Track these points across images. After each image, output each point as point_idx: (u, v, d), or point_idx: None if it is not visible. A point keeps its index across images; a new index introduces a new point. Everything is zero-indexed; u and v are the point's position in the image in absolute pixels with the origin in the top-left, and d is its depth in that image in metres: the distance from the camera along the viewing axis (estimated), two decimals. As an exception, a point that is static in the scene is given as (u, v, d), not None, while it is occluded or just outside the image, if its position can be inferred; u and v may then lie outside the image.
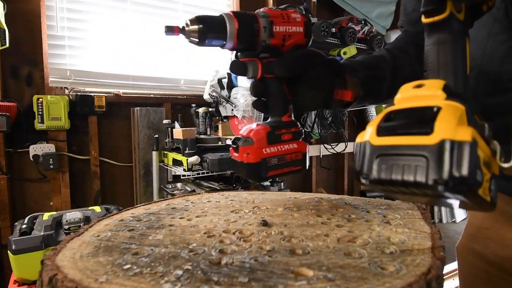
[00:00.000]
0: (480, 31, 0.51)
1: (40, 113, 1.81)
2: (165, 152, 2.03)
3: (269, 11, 0.51)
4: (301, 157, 0.54)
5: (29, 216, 1.41)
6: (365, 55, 0.62)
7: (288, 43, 0.52)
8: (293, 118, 0.55)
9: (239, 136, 0.52)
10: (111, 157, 2.09)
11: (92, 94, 1.95)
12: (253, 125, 0.53)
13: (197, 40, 0.47)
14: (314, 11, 2.71)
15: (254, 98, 0.54)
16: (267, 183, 2.14)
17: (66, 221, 1.35)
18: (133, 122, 2.12)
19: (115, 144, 2.11)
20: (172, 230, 0.43)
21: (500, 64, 0.49)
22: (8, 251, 1.21)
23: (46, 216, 1.40)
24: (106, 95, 1.99)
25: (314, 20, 2.35)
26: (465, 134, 0.23)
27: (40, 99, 1.80)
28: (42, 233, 1.25)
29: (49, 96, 1.83)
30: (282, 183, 2.24)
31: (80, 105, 1.91)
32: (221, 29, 0.48)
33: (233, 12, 0.49)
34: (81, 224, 1.35)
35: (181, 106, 2.27)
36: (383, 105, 2.93)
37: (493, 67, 0.50)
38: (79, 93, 1.94)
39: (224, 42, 0.49)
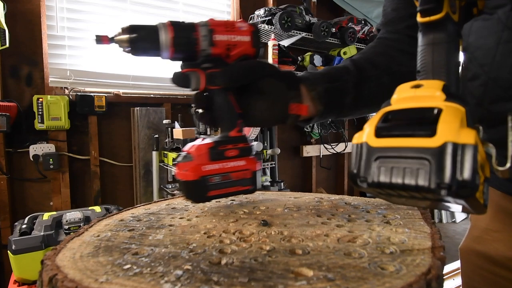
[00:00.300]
0: (488, 39, 0.50)
1: (40, 113, 1.81)
2: (165, 152, 2.03)
3: (211, 21, 0.49)
4: (251, 176, 0.50)
5: (29, 216, 1.41)
6: (328, 67, 0.59)
7: (233, 53, 0.50)
8: (243, 133, 0.52)
9: (183, 152, 0.50)
10: (111, 157, 2.09)
11: (92, 94, 1.96)
12: (198, 141, 0.50)
13: (129, 49, 0.46)
14: (314, 11, 2.71)
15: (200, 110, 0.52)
16: (267, 183, 2.14)
17: (66, 221, 1.35)
18: (133, 122, 2.12)
19: (115, 144, 2.11)
20: (172, 230, 0.43)
21: (511, 71, 0.49)
22: (8, 251, 1.21)
23: (46, 216, 1.40)
24: (106, 95, 1.99)
25: (314, 20, 2.35)
26: (469, 137, 0.22)
27: (40, 99, 1.80)
28: (42, 233, 1.25)
29: (49, 96, 1.83)
30: (282, 183, 2.25)
31: (80, 105, 1.91)
32: (154, 38, 0.46)
33: (171, 21, 0.47)
34: (81, 224, 1.35)
35: (181, 106, 2.27)
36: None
37: (504, 74, 0.49)
38: (79, 93, 1.94)
39: (160, 52, 0.47)
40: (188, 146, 0.50)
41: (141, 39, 0.46)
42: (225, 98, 0.51)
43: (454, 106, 0.24)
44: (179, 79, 0.51)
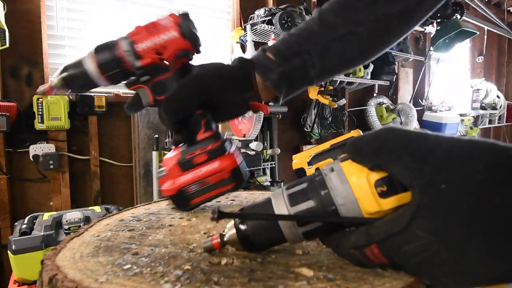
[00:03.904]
0: None
1: (40, 113, 1.80)
2: (165, 152, 2.03)
3: (132, 31, 0.45)
4: (228, 175, 0.47)
5: (29, 216, 1.41)
6: (293, 32, 0.52)
7: (166, 56, 0.45)
8: (213, 131, 0.48)
9: (162, 167, 0.50)
10: (111, 157, 2.09)
11: (92, 94, 1.95)
12: (170, 153, 0.49)
13: (66, 89, 0.44)
14: (314, 11, 2.71)
15: None
16: (267, 183, 2.14)
17: (66, 221, 1.35)
18: (133, 122, 2.12)
19: (115, 144, 2.11)
20: (172, 230, 0.43)
21: None
22: (8, 251, 1.21)
23: (46, 216, 1.40)
24: (106, 95, 1.99)
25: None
26: None
27: (40, 99, 1.80)
28: (42, 233, 1.25)
29: (49, 96, 1.83)
30: (282, 183, 2.24)
31: (80, 105, 1.91)
32: (82, 72, 0.43)
33: (96, 47, 0.44)
34: (81, 224, 1.34)
35: (181, 106, 2.26)
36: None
37: None
38: (79, 93, 1.94)
39: (95, 83, 0.44)
40: (164, 158, 0.50)
41: (71, 77, 0.43)
42: None
43: None
44: (131, 103, 0.49)
